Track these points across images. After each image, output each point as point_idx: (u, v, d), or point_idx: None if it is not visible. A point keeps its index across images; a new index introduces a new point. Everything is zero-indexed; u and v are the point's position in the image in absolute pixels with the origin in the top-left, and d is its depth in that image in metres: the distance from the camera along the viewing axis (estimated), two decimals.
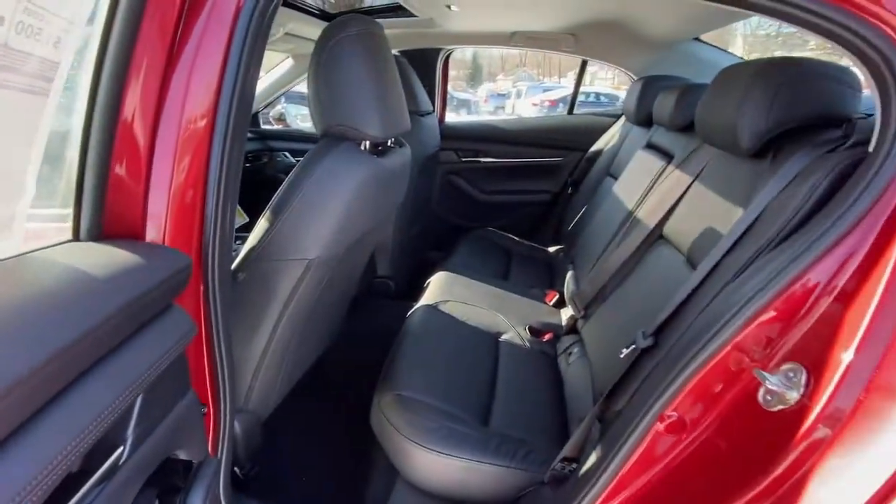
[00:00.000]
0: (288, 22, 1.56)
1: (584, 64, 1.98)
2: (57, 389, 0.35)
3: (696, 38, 1.69)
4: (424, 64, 1.99)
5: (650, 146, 1.44)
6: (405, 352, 1.16)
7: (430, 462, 0.87)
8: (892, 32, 0.51)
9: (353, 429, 1.23)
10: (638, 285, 1.08)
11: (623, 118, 1.93)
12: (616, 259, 1.19)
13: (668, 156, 1.25)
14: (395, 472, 0.95)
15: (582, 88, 2.14)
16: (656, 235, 1.11)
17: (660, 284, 0.98)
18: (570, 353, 1.29)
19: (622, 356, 0.80)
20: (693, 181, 1.03)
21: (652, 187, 1.23)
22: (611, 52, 1.83)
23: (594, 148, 2.03)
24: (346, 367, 1.51)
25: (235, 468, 0.99)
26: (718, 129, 0.86)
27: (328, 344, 1.31)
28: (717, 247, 0.74)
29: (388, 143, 1.04)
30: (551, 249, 2.12)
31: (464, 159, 2.18)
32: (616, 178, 1.71)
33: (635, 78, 1.85)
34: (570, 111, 2.13)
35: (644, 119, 1.56)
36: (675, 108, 1.19)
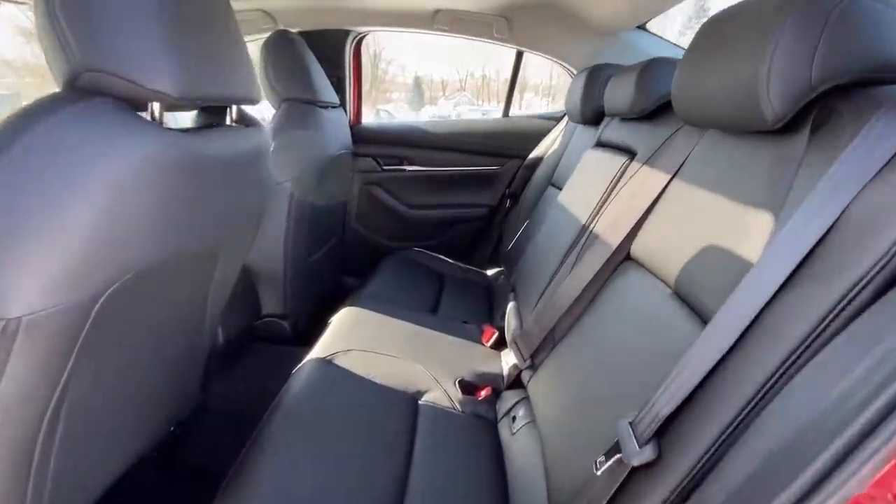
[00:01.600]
0: None
1: (519, 56, 1.72)
2: None
3: (641, 27, 1.48)
4: (329, 49, 1.63)
5: (602, 144, 1.17)
6: (269, 437, 0.75)
7: None
8: None
9: None
10: (601, 325, 0.77)
11: (565, 119, 1.69)
12: (569, 290, 0.88)
13: (628, 152, 0.97)
14: None
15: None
16: (621, 257, 0.81)
17: (633, 326, 0.67)
18: (513, 418, 0.95)
19: (598, 471, 0.47)
20: (671, 180, 0.74)
21: (610, 194, 0.94)
22: (548, 40, 1.58)
23: (533, 154, 1.76)
24: (196, 459, 1.07)
25: None
26: (717, 101, 0.57)
27: (159, 429, 0.87)
28: (746, 286, 0.43)
29: (222, 121, 0.66)
30: (490, 272, 1.81)
31: (385, 167, 1.83)
32: (560, 189, 1.43)
33: (575, 72, 1.61)
34: (506, 113, 1.87)
35: (592, 114, 1.31)
36: (637, 89, 0.92)
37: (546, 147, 1.71)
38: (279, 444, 0.75)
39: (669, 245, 0.68)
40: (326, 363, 0.98)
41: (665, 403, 0.43)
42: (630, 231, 0.79)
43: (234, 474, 0.71)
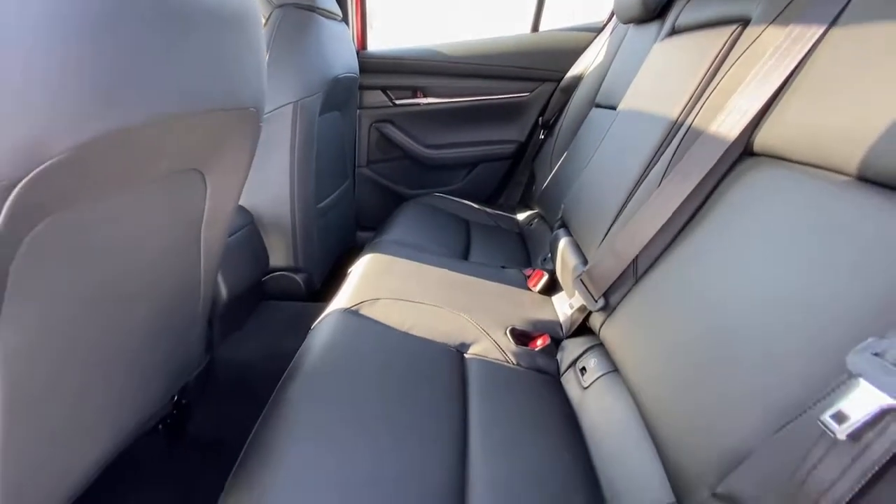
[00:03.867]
0: None
1: None
2: None
3: None
4: None
5: (678, 31, 0.93)
6: (289, 403, 0.59)
7: None
8: None
9: None
10: (722, 244, 0.58)
11: (610, 26, 1.43)
12: (656, 210, 0.68)
13: (734, 22, 0.74)
14: None
15: None
16: (737, 153, 0.61)
17: (789, 234, 0.48)
18: (582, 369, 0.78)
19: (839, 434, 0.28)
20: (825, 33, 0.53)
21: (711, 78, 0.72)
22: None
23: (571, 73, 1.51)
24: (204, 425, 0.92)
25: None
26: None
27: (153, 404, 0.71)
28: None
29: None
30: (521, 217, 1.61)
31: (397, 102, 1.60)
32: (610, 108, 1.21)
33: None
34: (535, 27, 1.60)
35: (656, 2, 1.06)
36: None
37: (586, 64, 1.46)
38: (302, 409, 0.59)
39: (838, 120, 0.47)
40: (351, 314, 0.81)
41: None
42: (752, 119, 0.59)
43: (250, 446, 0.55)
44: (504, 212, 1.63)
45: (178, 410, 0.93)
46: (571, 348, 0.83)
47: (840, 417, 0.28)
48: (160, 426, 0.94)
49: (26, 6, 0.28)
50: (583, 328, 0.86)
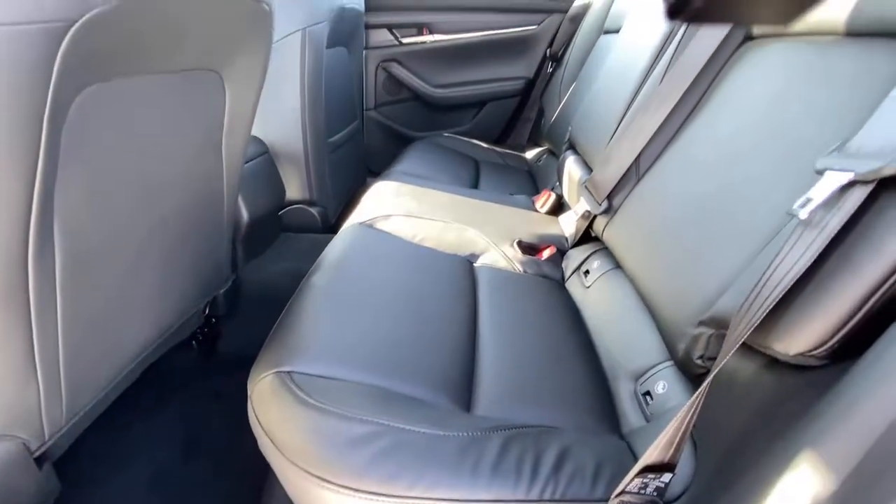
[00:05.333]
0: None
1: None
2: None
3: None
4: None
5: None
6: (313, 294, 0.65)
7: None
8: None
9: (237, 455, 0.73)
10: (716, 120, 0.60)
11: None
12: (656, 107, 0.69)
13: None
14: None
15: None
16: (738, 39, 0.62)
17: (772, 98, 0.50)
18: (586, 272, 0.82)
19: (802, 213, 0.32)
20: None
21: None
22: None
23: (579, 2, 1.48)
24: (232, 342, 1.00)
25: None
26: None
27: (196, 301, 0.78)
28: None
29: None
30: (529, 155, 1.62)
31: (403, 40, 1.59)
32: (617, 32, 1.19)
33: None
34: None
35: None
36: None
37: None
38: (322, 300, 0.64)
39: None
40: (367, 227, 0.86)
41: None
42: None
43: (277, 329, 0.61)
44: (513, 150, 1.64)
45: (209, 328, 1.01)
46: (576, 255, 0.87)
47: (805, 203, 0.31)
48: (194, 342, 1.02)
49: None
50: (586, 237, 0.89)
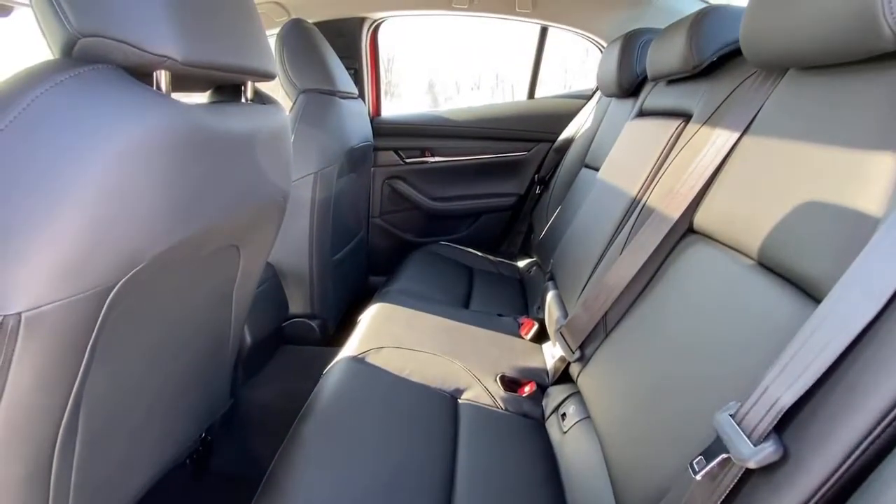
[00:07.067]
0: None
1: (543, 33, 1.63)
2: None
3: None
4: (345, 40, 1.58)
5: (645, 113, 1.07)
6: (302, 441, 0.70)
7: None
8: None
9: None
10: (665, 308, 0.68)
11: (596, 96, 1.59)
12: (621, 272, 0.79)
13: (680, 115, 0.87)
14: None
15: None
16: (682, 230, 0.72)
17: (708, 305, 0.58)
18: (563, 415, 0.86)
19: (697, 475, 0.38)
20: (740, 138, 0.65)
21: (662, 163, 0.85)
22: (574, 12, 1.49)
23: (564, 136, 1.67)
24: (226, 460, 1.03)
25: None
26: (808, 31, 0.48)
27: (197, 426, 0.83)
28: (880, 244, 0.34)
29: (237, 99, 0.60)
30: (521, 264, 1.72)
31: (407, 160, 1.77)
32: (596, 169, 1.34)
33: (605, 44, 1.51)
34: (531, 95, 1.78)
35: (629, 84, 1.21)
36: (691, 42, 0.82)
37: (576, 127, 1.61)
38: (312, 449, 0.69)
39: (747, 210, 0.58)
40: (358, 362, 0.93)
41: (783, 391, 0.34)
42: (692, 201, 0.70)
43: (267, 481, 0.66)
44: (506, 259, 1.74)
45: (204, 447, 1.04)
46: (555, 395, 0.92)
47: (700, 463, 0.37)
48: (188, 461, 1.05)
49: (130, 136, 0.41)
50: (565, 375, 0.95)
